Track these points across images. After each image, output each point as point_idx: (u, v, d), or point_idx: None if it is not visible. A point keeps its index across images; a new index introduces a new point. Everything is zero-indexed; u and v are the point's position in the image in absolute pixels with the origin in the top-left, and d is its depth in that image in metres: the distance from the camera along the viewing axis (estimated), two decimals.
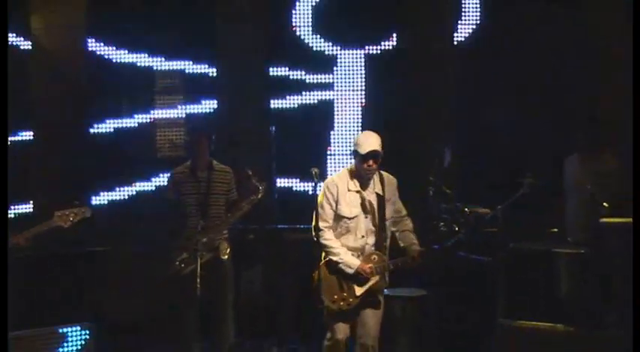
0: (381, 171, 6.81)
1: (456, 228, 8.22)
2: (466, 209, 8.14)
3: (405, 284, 7.51)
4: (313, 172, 7.07)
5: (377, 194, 6.72)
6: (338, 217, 6.75)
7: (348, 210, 6.71)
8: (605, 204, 7.59)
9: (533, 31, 9.84)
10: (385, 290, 6.94)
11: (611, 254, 7.49)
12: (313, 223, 6.79)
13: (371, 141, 6.59)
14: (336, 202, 6.76)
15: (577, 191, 8.23)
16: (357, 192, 6.73)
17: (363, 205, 6.72)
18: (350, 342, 6.94)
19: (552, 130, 9.44)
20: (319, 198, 6.77)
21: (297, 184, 10.30)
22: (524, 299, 7.66)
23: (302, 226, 8.91)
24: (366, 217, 6.72)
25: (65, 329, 7.58)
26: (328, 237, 6.72)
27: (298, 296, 8.71)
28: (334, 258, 6.64)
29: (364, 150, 6.52)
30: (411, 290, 7.75)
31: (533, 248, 7.99)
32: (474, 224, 8.14)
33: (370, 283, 6.61)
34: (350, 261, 6.61)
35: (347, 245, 6.72)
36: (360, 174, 6.71)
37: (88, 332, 7.67)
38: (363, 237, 6.69)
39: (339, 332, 6.77)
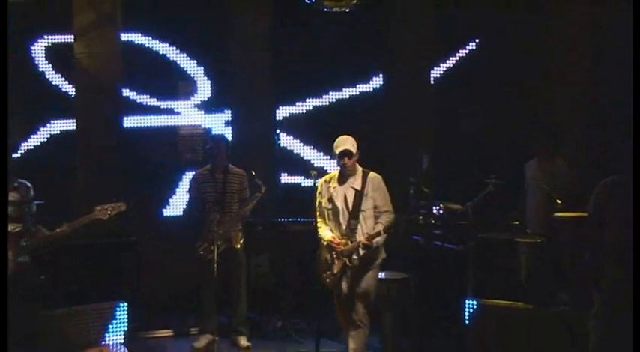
0: (369, 171, 7.02)
1: (433, 222, 8.39)
2: (441, 205, 8.28)
3: (389, 268, 7.53)
4: (312, 173, 7.27)
5: (354, 189, 6.91)
6: (323, 209, 7.03)
7: (326, 203, 7.01)
8: (558, 201, 7.63)
9: (499, 56, 9.89)
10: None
11: (563, 243, 7.57)
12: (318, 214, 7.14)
13: (344, 143, 6.86)
14: (320, 197, 7.07)
15: (535, 190, 8.32)
16: (334, 188, 6.97)
17: (337, 198, 6.95)
18: None
19: (514, 138, 9.46)
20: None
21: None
22: (490, 281, 7.64)
23: (302, 219, 9.11)
24: (341, 209, 6.93)
25: (106, 305, 7.63)
26: (319, 225, 7.04)
27: (299, 278, 8.82)
28: (319, 236, 6.99)
29: (338, 150, 6.83)
30: (394, 273, 7.78)
31: (498, 238, 7.96)
32: (448, 218, 8.31)
33: (339, 265, 6.86)
34: (324, 235, 6.97)
35: (333, 230, 6.99)
36: (341, 172, 6.97)
37: (123, 307, 7.71)
38: (339, 224, 6.92)
39: (338, 312, 7.12)
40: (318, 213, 7.11)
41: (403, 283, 7.91)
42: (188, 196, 8.38)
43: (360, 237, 6.80)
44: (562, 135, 8.77)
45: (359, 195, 6.88)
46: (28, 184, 6.68)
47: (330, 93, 10.57)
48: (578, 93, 9.34)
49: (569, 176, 8.11)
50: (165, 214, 9.59)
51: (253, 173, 8.02)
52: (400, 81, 10.04)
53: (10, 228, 6.48)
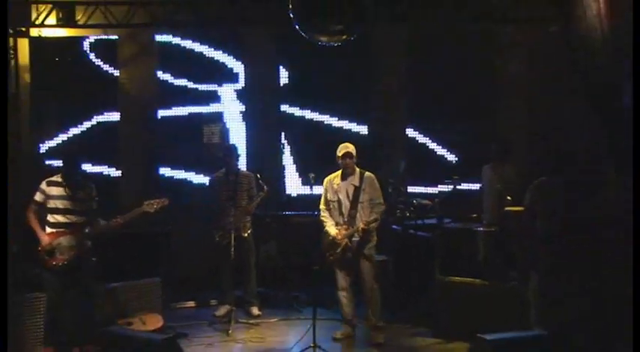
0: (365, 171, 7.14)
1: (407, 214, 8.40)
2: (414, 201, 8.27)
3: None
4: (310, 176, 7.37)
5: (353, 185, 7.03)
6: (327, 201, 7.13)
7: (330, 196, 7.11)
8: (508, 197, 7.62)
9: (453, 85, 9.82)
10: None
11: (512, 231, 7.46)
12: (320, 206, 7.20)
13: (346, 147, 7.04)
14: (326, 191, 7.15)
15: (490, 189, 8.26)
16: (338, 184, 7.09)
17: (340, 192, 7.06)
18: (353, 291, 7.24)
19: (473, 148, 9.38)
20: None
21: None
22: (454, 262, 7.59)
23: (302, 213, 9.20)
24: (342, 201, 7.05)
25: (145, 281, 7.76)
26: (323, 215, 7.14)
27: (300, 260, 8.83)
28: (325, 228, 7.05)
29: (341, 153, 7.01)
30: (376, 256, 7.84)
31: (460, 227, 8.04)
32: (420, 211, 8.31)
33: (342, 244, 6.95)
34: (331, 231, 7.02)
35: (334, 218, 7.08)
36: (343, 171, 7.09)
37: (160, 283, 7.82)
38: (342, 213, 7.04)
39: (340, 281, 7.17)
40: (323, 207, 7.22)
41: (383, 264, 8.00)
42: (209, 194, 8.45)
43: (359, 223, 6.95)
44: (511, 146, 8.73)
45: (357, 190, 7.02)
46: (93, 185, 6.81)
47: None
48: (525, 113, 9.35)
49: (516, 178, 8.07)
50: (191, 209, 9.60)
51: (258, 176, 8.13)
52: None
53: (75, 219, 6.62)
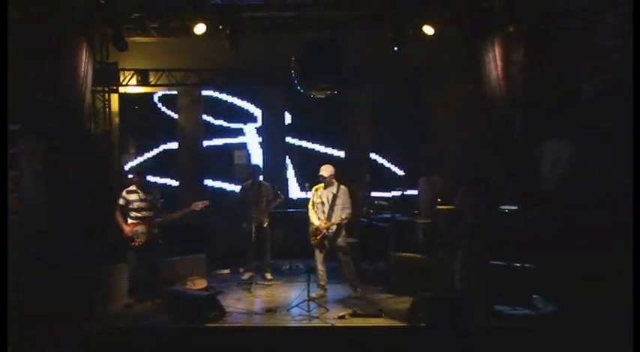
0: (341, 184, 6.94)
1: (371, 211, 8.38)
2: (375, 202, 8.23)
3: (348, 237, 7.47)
4: (306, 185, 7.28)
5: (332, 193, 6.89)
6: (313, 203, 6.99)
7: (316, 199, 6.95)
8: (438, 199, 7.67)
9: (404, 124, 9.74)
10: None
11: (441, 223, 7.39)
12: (309, 206, 7.03)
13: (322, 171, 6.88)
14: (313, 196, 6.99)
15: (424, 194, 8.28)
16: (322, 192, 6.93)
17: (323, 197, 6.91)
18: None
19: (411, 166, 9.33)
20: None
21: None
22: (403, 243, 7.46)
23: (301, 210, 9.05)
24: (325, 203, 6.90)
25: (195, 256, 7.70)
26: (310, 212, 6.98)
27: (299, 243, 8.71)
28: (310, 221, 6.92)
29: (319, 174, 6.87)
30: (349, 239, 7.56)
31: (407, 220, 7.90)
32: (379, 208, 8.28)
33: (322, 233, 6.83)
34: (314, 221, 6.89)
35: (318, 215, 6.91)
36: (325, 184, 6.92)
37: (204, 257, 7.77)
38: (324, 212, 6.89)
39: (318, 259, 6.98)
40: (310, 206, 7.05)
41: (354, 244, 7.76)
42: (239, 197, 8.36)
43: (334, 220, 6.82)
44: (438, 163, 8.82)
45: (334, 197, 6.87)
46: (157, 191, 6.84)
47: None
48: (451, 143, 9.29)
49: (441, 186, 8.10)
50: (227, 208, 9.52)
51: (275, 186, 8.08)
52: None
53: (146, 214, 6.64)
